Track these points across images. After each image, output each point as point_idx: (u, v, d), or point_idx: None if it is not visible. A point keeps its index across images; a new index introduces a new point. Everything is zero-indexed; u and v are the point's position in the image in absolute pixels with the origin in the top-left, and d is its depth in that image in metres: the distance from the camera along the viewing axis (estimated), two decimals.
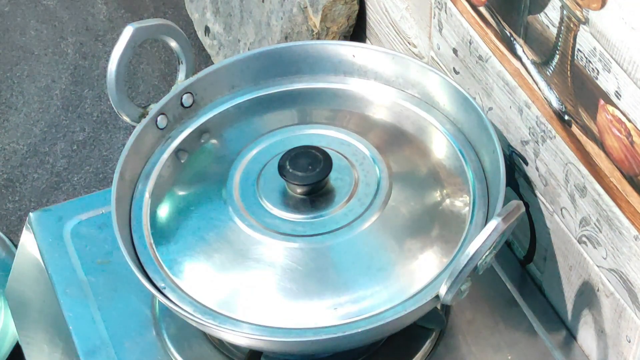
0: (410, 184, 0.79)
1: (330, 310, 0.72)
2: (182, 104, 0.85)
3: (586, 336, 0.84)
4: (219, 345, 0.85)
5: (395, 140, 0.83)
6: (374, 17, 1.10)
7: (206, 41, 1.64)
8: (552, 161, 0.79)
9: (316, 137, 0.83)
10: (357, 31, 1.15)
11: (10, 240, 1.37)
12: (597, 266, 0.78)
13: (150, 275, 0.76)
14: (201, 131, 0.85)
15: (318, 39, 1.16)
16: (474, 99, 0.82)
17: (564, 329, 0.87)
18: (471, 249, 0.66)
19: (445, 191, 0.78)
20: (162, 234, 0.78)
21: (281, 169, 0.76)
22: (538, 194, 0.84)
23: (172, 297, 0.74)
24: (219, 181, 0.80)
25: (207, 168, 0.83)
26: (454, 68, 0.91)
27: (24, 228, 0.96)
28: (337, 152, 0.80)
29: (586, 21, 0.67)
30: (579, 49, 0.69)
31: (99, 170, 1.58)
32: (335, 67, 0.88)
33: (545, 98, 0.76)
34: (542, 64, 0.75)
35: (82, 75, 1.74)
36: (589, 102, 0.70)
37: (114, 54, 0.79)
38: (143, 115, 0.83)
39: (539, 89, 0.76)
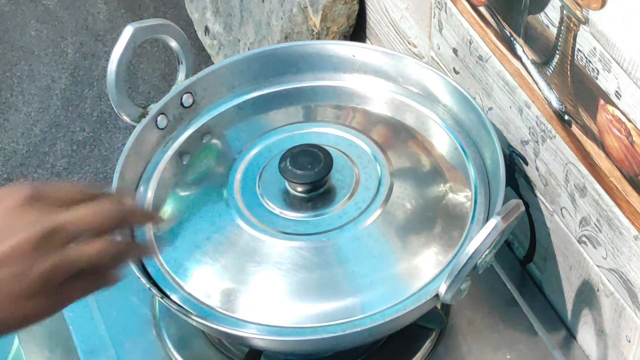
0: (412, 181, 0.79)
1: (330, 309, 0.72)
2: (182, 104, 0.85)
3: (586, 336, 0.84)
4: (219, 345, 0.85)
5: (395, 137, 0.83)
6: (374, 17, 1.10)
7: (206, 41, 1.64)
8: (552, 161, 0.79)
9: (317, 135, 0.83)
10: (357, 31, 1.15)
11: None
12: (597, 266, 0.78)
13: (151, 274, 0.76)
14: (201, 131, 0.85)
15: (318, 39, 1.16)
16: (474, 98, 0.82)
17: (564, 329, 0.87)
18: (470, 247, 0.66)
19: (446, 189, 0.78)
20: (163, 233, 0.78)
21: (281, 168, 0.76)
22: (538, 194, 0.84)
23: (173, 297, 0.74)
24: (220, 181, 0.80)
25: (208, 168, 0.83)
26: (454, 68, 0.91)
27: None
28: (338, 149, 0.80)
29: (586, 21, 0.67)
30: (579, 49, 0.69)
31: (99, 170, 1.58)
32: (335, 67, 0.88)
33: (545, 98, 0.76)
34: (542, 64, 0.75)
35: (82, 75, 1.74)
36: (589, 102, 0.70)
37: (114, 54, 0.79)
38: (143, 115, 0.83)
39: (539, 89, 0.76)
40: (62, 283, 0.62)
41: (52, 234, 0.61)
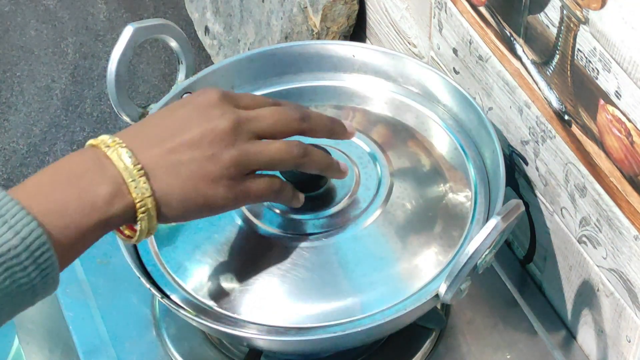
0: (412, 181, 0.79)
1: (330, 309, 0.72)
2: None
3: (586, 336, 0.84)
4: (219, 345, 0.85)
5: (395, 137, 0.83)
6: (374, 17, 1.10)
7: (206, 41, 1.64)
8: (552, 161, 0.79)
9: None
10: (357, 31, 1.15)
11: None
12: (597, 266, 0.78)
13: (151, 274, 0.76)
14: None
15: (318, 39, 1.16)
16: (474, 98, 0.82)
17: (564, 329, 0.87)
18: (470, 247, 0.66)
19: (446, 189, 0.78)
20: (163, 233, 0.78)
21: None
22: (538, 194, 0.84)
23: (173, 297, 0.74)
24: None
25: None
26: (454, 68, 0.91)
27: None
28: (338, 149, 0.80)
29: (586, 21, 0.67)
30: (579, 49, 0.69)
31: None
32: (335, 66, 0.88)
33: (545, 98, 0.76)
34: (542, 64, 0.75)
35: (82, 75, 1.74)
36: (589, 102, 0.70)
37: (114, 54, 0.79)
38: (143, 115, 0.83)
39: (539, 89, 0.76)
40: (245, 176, 0.67)
41: (240, 126, 0.66)
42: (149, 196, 0.63)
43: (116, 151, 0.63)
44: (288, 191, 0.73)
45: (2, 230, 0.57)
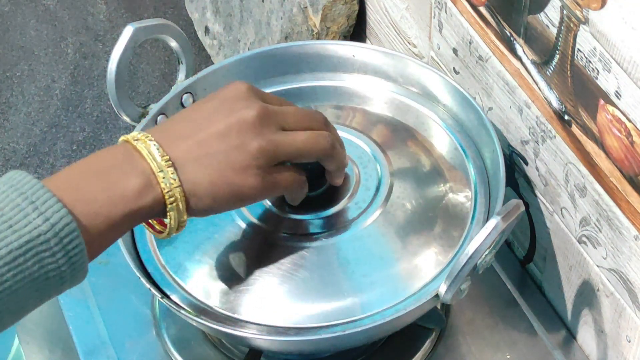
0: (412, 181, 0.79)
1: (330, 309, 0.72)
2: (182, 104, 0.85)
3: (586, 336, 0.84)
4: (219, 345, 0.85)
5: (395, 137, 0.83)
6: (374, 17, 1.10)
7: (206, 41, 1.64)
8: (552, 161, 0.79)
9: None
10: (357, 31, 1.15)
11: None
12: (597, 266, 0.78)
13: (151, 274, 0.76)
14: None
15: (318, 39, 1.16)
16: (474, 98, 0.82)
17: (564, 329, 0.87)
18: (470, 248, 0.66)
19: (446, 189, 0.78)
20: None
21: None
22: (538, 194, 0.84)
23: (173, 297, 0.74)
24: None
25: None
26: (454, 68, 0.91)
27: None
28: None
29: (586, 21, 0.67)
30: (579, 49, 0.69)
31: None
32: (335, 66, 0.88)
33: (545, 98, 0.76)
34: (542, 64, 0.75)
35: (82, 75, 1.74)
36: (589, 102, 0.70)
37: (114, 54, 0.79)
38: (143, 115, 0.83)
39: (539, 89, 0.76)
40: (274, 167, 0.68)
41: (266, 117, 0.67)
42: (177, 186, 0.64)
43: (145, 144, 0.64)
44: (307, 188, 0.73)
45: (32, 216, 0.58)
